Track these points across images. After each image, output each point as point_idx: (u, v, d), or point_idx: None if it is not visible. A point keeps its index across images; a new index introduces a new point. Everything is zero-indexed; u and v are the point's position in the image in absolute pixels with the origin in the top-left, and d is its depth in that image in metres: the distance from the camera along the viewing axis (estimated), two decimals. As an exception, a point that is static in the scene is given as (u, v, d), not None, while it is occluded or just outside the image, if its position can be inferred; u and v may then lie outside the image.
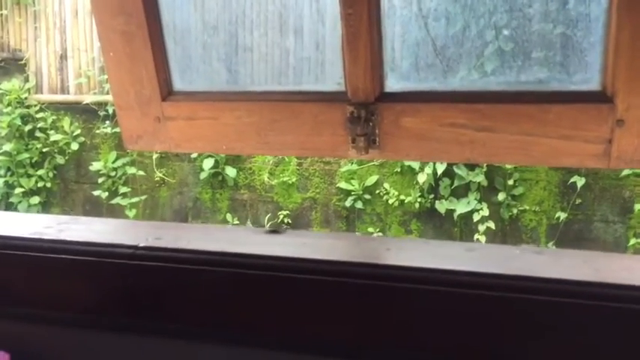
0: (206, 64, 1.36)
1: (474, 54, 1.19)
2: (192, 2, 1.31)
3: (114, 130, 5.73)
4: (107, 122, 5.91)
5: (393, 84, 1.25)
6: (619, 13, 1.05)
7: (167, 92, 1.36)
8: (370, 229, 5.44)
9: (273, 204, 5.73)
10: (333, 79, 1.28)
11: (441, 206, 5.22)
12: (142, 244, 1.00)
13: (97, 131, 5.98)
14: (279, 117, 1.31)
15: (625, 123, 1.10)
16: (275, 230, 1.04)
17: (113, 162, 5.83)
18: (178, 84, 1.37)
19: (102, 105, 5.95)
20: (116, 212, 5.87)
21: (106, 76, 5.67)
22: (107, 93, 5.71)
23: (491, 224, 5.04)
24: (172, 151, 1.40)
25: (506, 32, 1.14)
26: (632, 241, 4.70)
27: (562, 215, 4.93)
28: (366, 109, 1.24)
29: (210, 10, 1.31)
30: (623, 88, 1.09)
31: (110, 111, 5.80)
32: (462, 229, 5.24)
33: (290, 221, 5.66)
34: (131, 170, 5.76)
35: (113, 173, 5.86)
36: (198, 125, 1.36)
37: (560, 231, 4.96)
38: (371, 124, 1.25)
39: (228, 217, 5.80)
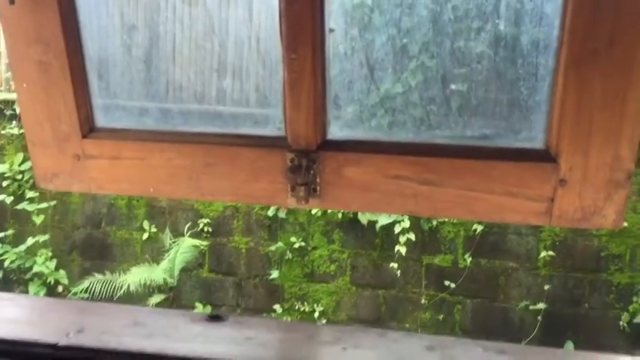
0: (134, 100, 1.25)
1: (420, 106, 1.15)
2: (118, 33, 1.20)
3: (21, 131, 5.34)
4: (14, 122, 5.51)
5: (336, 132, 1.19)
6: (565, 73, 1.04)
7: (88, 129, 1.24)
8: (293, 239, 5.38)
9: (193, 212, 5.55)
10: (273, 124, 1.20)
11: (364, 217, 5.24)
12: (62, 343, 0.87)
13: (3, 132, 5.57)
14: (213, 161, 1.22)
15: (567, 183, 1.10)
16: (216, 317, 0.95)
17: (20, 164, 5.45)
18: (101, 120, 1.25)
19: (8, 103, 5.54)
20: (22, 218, 5.49)
21: (13, 74, 5.30)
22: (14, 90, 5.31)
23: (412, 235, 5.12)
24: (93, 192, 1.27)
25: (453, 87, 1.11)
26: (543, 253, 4.92)
27: (479, 228, 5.08)
28: (308, 157, 1.18)
29: (140, 44, 1.20)
30: (567, 149, 1.08)
31: (18, 110, 5.41)
32: (383, 239, 5.28)
33: (211, 229, 5.51)
34: (40, 174, 5.40)
35: (19, 176, 5.47)
36: (123, 165, 1.25)
37: (477, 242, 5.11)
38: (312, 172, 1.19)
39: (145, 224, 5.56)
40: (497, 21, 1.05)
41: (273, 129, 1.20)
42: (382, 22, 1.09)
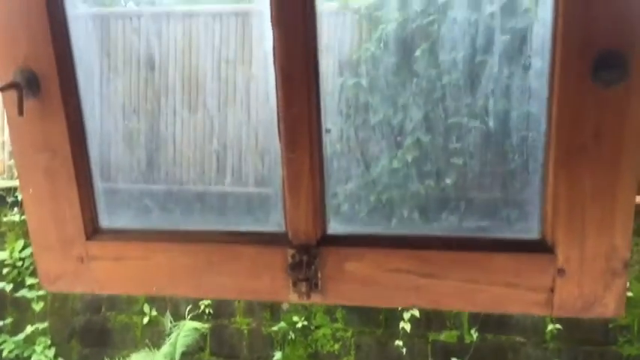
0: (137, 200, 1.28)
1: (417, 200, 1.18)
2: (122, 137, 1.24)
3: (23, 218, 5.37)
4: (15, 209, 5.55)
5: (335, 227, 1.22)
6: (555, 168, 1.08)
7: (92, 231, 1.26)
8: (295, 318, 5.30)
9: (193, 293, 5.49)
10: (273, 221, 1.23)
11: (366, 294, 5.20)
12: None
13: (4, 219, 5.60)
14: (216, 259, 1.23)
15: (566, 273, 1.11)
16: None
17: (20, 251, 5.45)
18: (105, 222, 1.27)
19: (10, 191, 5.60)
20: (21, 306, 5.43)
21: (16, 162, 5.39)
22: (17, 178, 5.38)
23: (416, 312, 5.05)
24: (96, 292, 1.28)
25: (448, 180, 1.15)
26: (550, 326, 4.84)
27: (483, 301, 5.03)
28: (308, 252, 1.19)
29: (143, 146, 1.24)
30: (563, 240, 1.10)
31: (20, 197, 5.46)
32: (387, 317, 5.21)
33: (212, 311, 5.43)
34: (40, 260, 5.38)
35: (20, 263, 5.45)
36: (127, 266, 1.26)
37: (482, 317, 5.04)
38: (313, 267, 1.20)
39: (146, 308, 5.49)
40: (486, 118, 1.10)
41: (274, 226, 1.23)
42: (377, 123, 1.14)
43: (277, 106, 1.15)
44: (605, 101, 1.03)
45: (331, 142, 1.19)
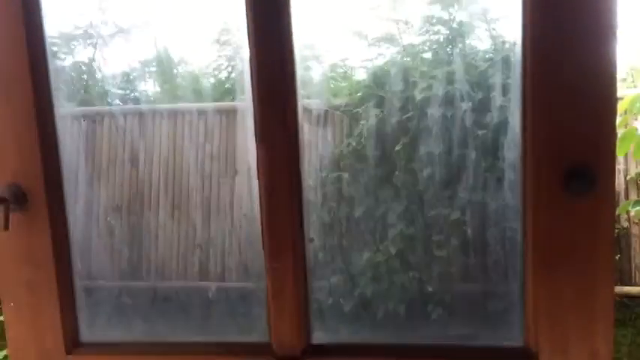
0: (120, 313, 1.27)
1: (400, 306, 1.19)
2: (108, 249, 1.25)
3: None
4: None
5: (320, 336, 1.21)
6: (533, 276, 1.10)
7: (72, 344, 1.24)
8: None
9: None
10: (257, 331, 1.22)
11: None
12: None
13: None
14: (199, 371, 1.21)
15: (551, 380, 1.11)
16: None
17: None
18: (86, 335, 1.25)
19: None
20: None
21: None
22: None
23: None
24: (73, 410, 1.24)
25: (430, 289, 1.16)
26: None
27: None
28: (293, 363, 1.18)
29: (127, 257, 1.25)
30: (546, 347, 1.11)
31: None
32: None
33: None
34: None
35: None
36: (107, 381, 1.23)
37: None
38: (298, 379, 1.18)
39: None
40: (464, 228, 1.13)
41: (258, 336, 1.22)
42: (359, 234, 1.17)
43: (261, 218, 1.18)
44: (577, 211, 1.08)
45: (315, 251, 1.21)
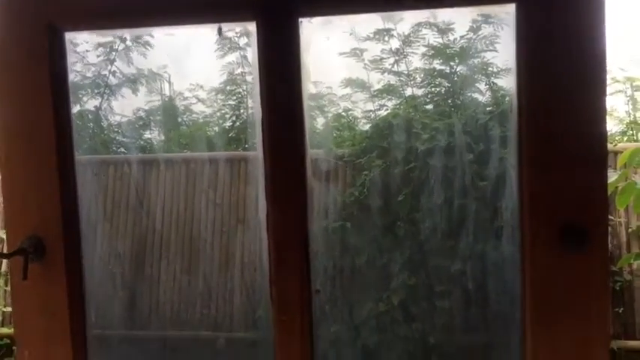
0: (130, 357, 1.30)
1: (402, 354, 1.22)
2: (120, 302, 1.29)
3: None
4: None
5: (325, 387, 1.24)
6: (533, 327, 1.14)
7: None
8: None
9: None
10: (264, 381, 1.25)
11: None
12: None
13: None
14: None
15: None
16: None
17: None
18: (97, 382, 1.29)
19: None
20: None
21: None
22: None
23: None
24: None
25: (432, 340, 1.20)
26: None
27: None
28: (299, 414, 1.21)
29: (139, 309, 1.29)
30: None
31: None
32: None
33: None
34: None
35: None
36: None
37: None
38: None
39: None
40: (465, 279, 1.18)
41: (265, 386, 1.25)
42: (362, 286, 1.21)
43: (269, 271, 1.22)
44: (572, 266, 1.12)
45: (320, 302, 1.25)
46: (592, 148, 1.12)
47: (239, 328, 1.36)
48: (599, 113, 1.11)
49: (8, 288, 5.06)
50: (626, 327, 4.21)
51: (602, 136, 1.12)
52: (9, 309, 5.13)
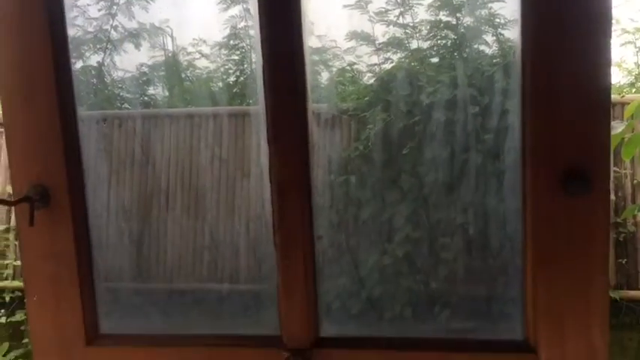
0: (137, 305, 1.33)
1: (406, 302, 1.24)
2: (126, 246, 1.31)
3: (9, 320, 5.29)
4: (2, 311, 5.46)
5: (328, 330, 1.27)
6: (532, 272, 1.16)
7: (92, 336, 1.30)
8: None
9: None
10: (268, 325, 1.28)
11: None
12: None
13: (-10, 320, 5.49)
14: (213, 362, 1.27)
15: (549, 373, 1.16)
16: None
17: (4, 354, 5.30)
18: (105, 327, 1.32)
19: (-2, 291, 5.54)
20: (1, 411, 5.22)
21: (5, 261, 5.38)
22: (5, 278, 5.36)
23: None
24: (93, 399, 1.30)
25: (434, 285, 1.22)
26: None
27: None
28: (302, 355, 1.24)
29: (146, 256, 1.31)
30: (544, 341, 1.16)
31: (7, 299, 5.40)
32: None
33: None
34: (25, 363, 5.25)
35: (4, 366, 5.30)
36: (125, 371, 1.29)
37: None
38: (307, 370, 1.24)
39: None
40: (466, 227, 1.19)
41: (269, 329, 1.28)
42: (365, 230, 1.22)
43: (272, 216, 1.23)
44: (573, 210, 1.13)
45: (323, 248, 1.27)
46: (595, 94, 1.11)
47: (245, 280, 1.38)
48: (603, 59, 1.10)
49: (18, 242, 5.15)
50: (629, 278, 4.26)
51: (606, 82, 1.11)
52: (19, 263, 5.24)
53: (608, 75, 1.11)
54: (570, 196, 1.12)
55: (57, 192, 1.27)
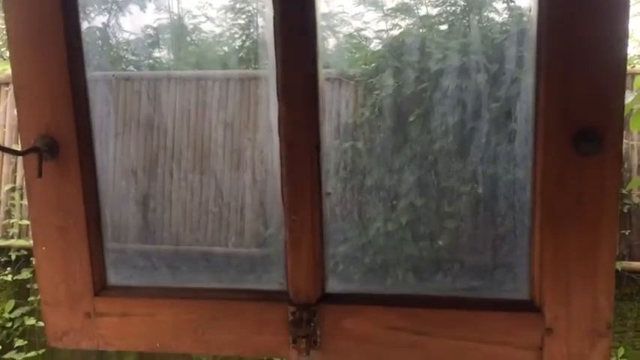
0: (145, 259, 1.34)
1: (411, 260, 1.25)
2: (133, 199, 1.32)
3: (15, 278, 5.35)
4: (8, 269, 5.53)
5: (334, 286, 1.28)
6: (541, 231, 1.16)
7: (100, 287, 1.32)
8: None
9: (186, 356, 5.42)
10: (275, 279, 1.29)
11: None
12: None
13: (-4, 278, 5.56)
14: (219, 315, 1.28)
15: (553, 332, 1.17)
16: None
17: (10, 312, 5.38)
18: (113, 279, 1.33)
19: (3, 250, 5.59)
20: (7, 368, 5.31)
21: (11, 220, 5.41)
22: (11, 237, 5.40)
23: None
24: (100, 348, 1.32)
25: (440, 242, 1.22)
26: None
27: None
28: (308, 310, 1.25)
29: (152, 208, 1.31)
30: (550, 300, 1.17)
31: (13, 257, 5.46)
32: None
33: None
34: (30, 321, 5.32)
35: (9, 324, 5.38)
36: (133, 322, 1.31)
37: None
38: (312, 324, 1.25)
39: (135, 372, 5.40)
40: (475, 185, 1.18)
41: (276, 284, 1.29)
42: (373, 187, 1.22)
43: (281, 172, 1.23)
44: (585, 170, 1.12)
45: (331, 204, 1.27)
46: (611, 54, 1.10)
47: (251, 244, 1.39)
48: (619, 20, 1.08)
49: (24, 201, 5.19)
50: (631, 249, 4.27)
51: (621, 42, 1.10)
52: (25, 222, 5.28)
53: (624, 37, 1.10)
54: (582, 156, 1.11)
55: (65, 144, 1.27)
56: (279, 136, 1.22)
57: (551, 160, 1.13)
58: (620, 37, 1.10)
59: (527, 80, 1.22)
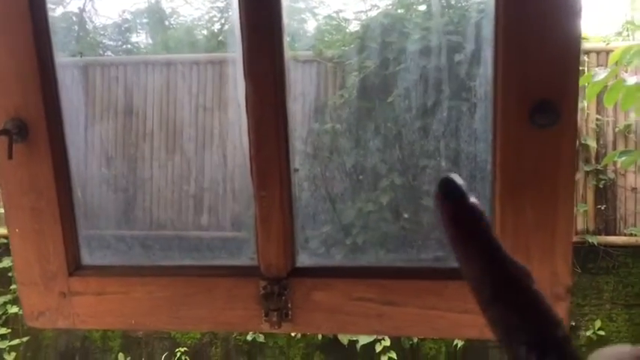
0: (117, 238, 1.36)
1: (377, 233, 1.28)
2: (105, 179, 1.33)
3: (-2, 266, 5.35)
4: (-11, 256, 5.51)
5: (304, 260, 1.31)
6: (500, 202, 1.19)
7: (75, 267, 1.34)
8: (273, 364, 5.29)
9: (169, 340, 5.46)
10: (246, 255, 1.32)
11: (344, 337, 5.22)
12: None
13: (-22, 266, 5.54)
14: (192, 291, 1.31)
15: (514, 298, 1.21)
16: None
17: (-6, 300, 5.38)
18: (87, 258, 1.35)
19: (-16, 237, 5.57)
20: (-7, 356, 5.32)
21: (-6, 209, 5.37)
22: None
23: (393, 354, 5.08)
24: (77, 327, 1.35)
25: (406, 215, 1.25)
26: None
27: (459, 343, 5.08)
28: (279, 284, 1.28)
29: (124, 188, 1.33)
30: (511, 268, 1.21)
31: (-6, 244, 5.44)
32: (364, 359, 5.22)
33: (188, 358, 5.39)
34: (13, 309, 5.33)
35: (-8, 312, 5.39)
36: (107, 300, 1.33)
37: (459, 358, 5.08)
38: (283, 298, 1.28)
39: (120, 356, 5.43)
40: (438, 159, 1.22)
41: (247, 259, 1.32)
42: (339, 164, 1.25)
43: (249, 149, 1.26)
44: (541, 142, 1.16)
45: (299, 180, 1.30)
46: (566, 27, 1.12)
47: (227, 228, 1.41)
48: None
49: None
50: (607, 224, 4.36)
51: (576, 14, 1.13)
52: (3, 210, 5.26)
53: (579, 11, 1.13)
54: (539, 128, 1.15)
55: (35, 127, 1.29)
56: (247, 112, 1.24)
57: (509, 133, 1.16)
58: (576, 11, 1.13)
59: (487, 54, 1.25)
